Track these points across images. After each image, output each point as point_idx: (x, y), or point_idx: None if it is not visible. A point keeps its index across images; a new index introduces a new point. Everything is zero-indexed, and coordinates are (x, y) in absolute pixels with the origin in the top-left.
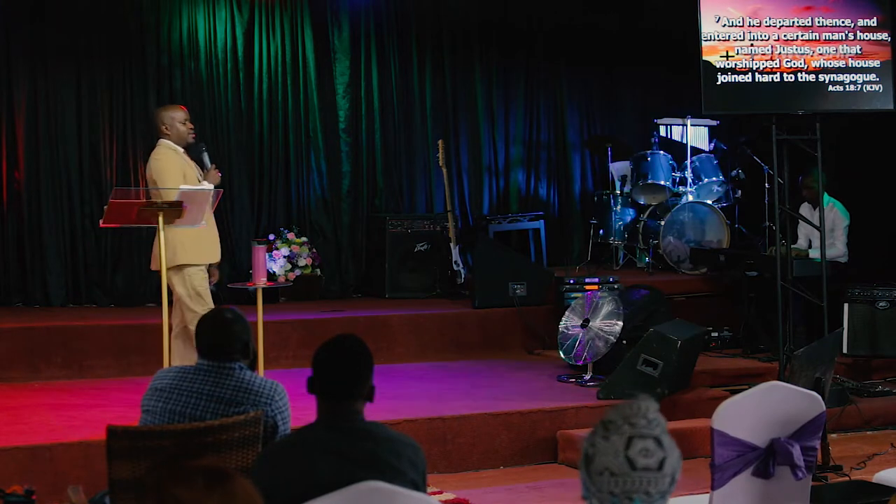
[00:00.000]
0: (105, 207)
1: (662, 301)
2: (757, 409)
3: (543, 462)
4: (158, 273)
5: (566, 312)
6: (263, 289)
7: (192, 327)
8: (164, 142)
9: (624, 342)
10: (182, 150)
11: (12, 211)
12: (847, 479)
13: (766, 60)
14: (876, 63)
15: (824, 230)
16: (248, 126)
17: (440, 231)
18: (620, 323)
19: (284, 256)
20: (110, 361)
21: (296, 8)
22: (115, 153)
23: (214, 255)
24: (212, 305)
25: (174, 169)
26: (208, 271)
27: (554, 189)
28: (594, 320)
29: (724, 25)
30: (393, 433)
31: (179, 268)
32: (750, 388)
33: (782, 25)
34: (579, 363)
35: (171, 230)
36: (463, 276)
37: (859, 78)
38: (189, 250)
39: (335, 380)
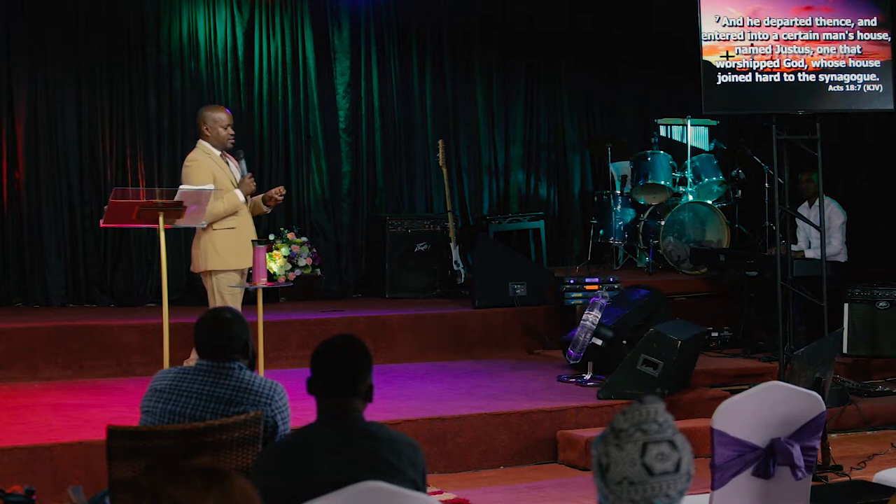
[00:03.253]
0: (105, 207)
1: (662, 301)
2: (757, 409)
3: (543, 462)
4: (158, 273)
5: None
6: (263, 289)
7: None
8: (201, 143)
9: (624, 342)
10: (219, 153)
11: (12, 211)
12: (847, 479)
13: (766, 60)
14: (876, 63)
15: (824, 230)
16: (248, 126)
17: (440, 231)
18: (598, 313)
19: (284, 256)
20: (110, 361)
21: (296, 8)
22: (115, 153)
23: (247, 261)
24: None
25: (203, 175)
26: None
27: (554, 189)
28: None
29: (725, 25)
30: (393, 433)
31: (210, 272)
32: (750, 388)
33: (782, 25)
34: (571, 353)
35: (207, 234)
36: (463, 276)
37: (859, 78)
38: (221, 255)
39: (333, 376)
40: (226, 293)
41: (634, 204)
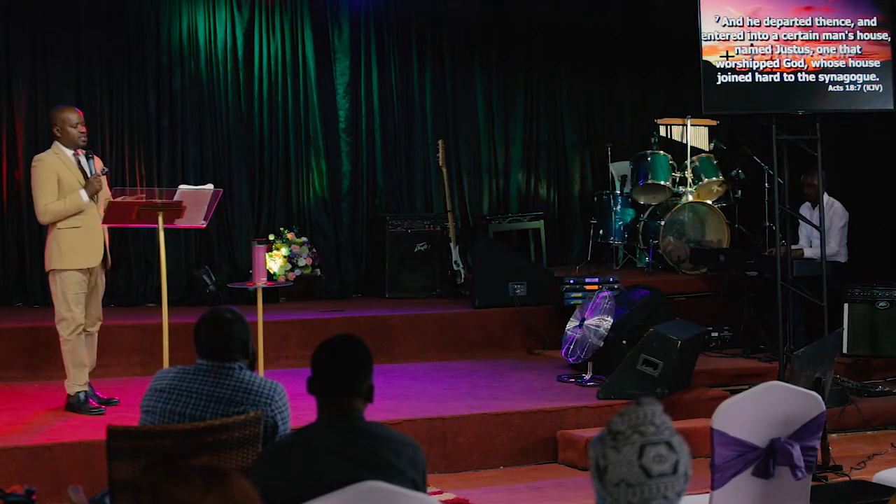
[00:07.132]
0: (105, 207)
1: (662, 301)
2: (757, 409)
3: (543, 462)
4: (158, 273)
5: (571, 316)
6: (263, 289)
7: (59, 329)
8: (54, 144)
9: (624, 342)
10: (71, 153)
11: (12, 211)
12: (847, 479)
13: (766, 60)
14: (876, 63)
15: (824, 230)
16: (248, 126)
17: (440, 231)
18: (609, 319)
19: (284, 256)
20: (110, 361)
21: (296, 8)
22: (115, 153)
23: (92, 260)
24: (77, 313)
25: (47, 175)
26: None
27: (554, 189)
28: (589, 319)
29: (724, 25)
30: (393, 433)
31: (54, 272)
32: (750, 388)
33: (782, 25)
34: (572, 360)
35: (53, 233)
36: (463, 276)
37: (859, 78)
38: (64, 255)
39: (334, 375)
40: (69, 293)
41: (634, 204)
